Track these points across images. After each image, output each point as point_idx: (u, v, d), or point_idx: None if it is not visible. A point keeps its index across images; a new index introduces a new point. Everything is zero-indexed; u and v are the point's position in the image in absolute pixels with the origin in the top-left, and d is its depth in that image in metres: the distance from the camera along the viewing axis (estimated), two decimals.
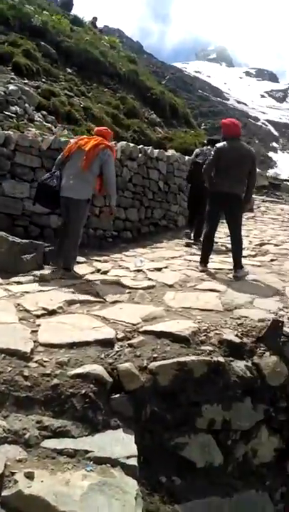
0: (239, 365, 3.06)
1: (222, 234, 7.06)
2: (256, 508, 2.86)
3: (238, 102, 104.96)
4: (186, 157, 9.62)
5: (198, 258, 5.83)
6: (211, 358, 2.99)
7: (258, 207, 13.17)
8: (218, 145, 5.44)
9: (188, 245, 7.52)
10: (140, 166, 8.02)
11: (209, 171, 5.40)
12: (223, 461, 2.86)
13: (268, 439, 3.09)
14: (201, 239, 7.39)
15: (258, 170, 5.86)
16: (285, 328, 3.35)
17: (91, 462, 2.25)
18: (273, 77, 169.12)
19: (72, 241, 4.98)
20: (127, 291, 4.41)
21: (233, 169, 5.21)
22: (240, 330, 3.42)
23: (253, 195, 14.47)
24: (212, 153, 5.52)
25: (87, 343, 2.99)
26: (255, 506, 2.86)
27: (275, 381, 3.12)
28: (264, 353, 3.21)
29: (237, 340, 3.23)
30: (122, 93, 12.57)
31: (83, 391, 2.57)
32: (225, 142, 5.37)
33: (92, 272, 5.23)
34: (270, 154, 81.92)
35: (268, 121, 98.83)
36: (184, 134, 13.43)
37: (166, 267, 5.63)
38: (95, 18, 17.95)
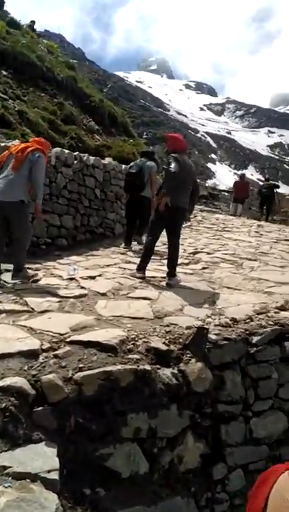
0: (166, 373, 3.08)
1: (158, 242, 7.15)
2: None
3: (179, 114, 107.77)
4: (123, 166, 9.68)
5: (133, 266, 5.87)
6: (138, 366, 2.99)
7: (195, 216, 13.48)
8: (177, 157, 5.18)
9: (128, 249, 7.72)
10: (76, 173, 7.95)
11: (173, 185, 5.09)
12: (149, 470, 2.86)
13: (193, 444, 3.12)
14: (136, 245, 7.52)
15: (198, 180, 6.01)
16: (210, 335, 3.43)
17: (10, 478, 2.17)
18: (212, 91, 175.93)
19: (20, 243, 5.08)
20: (58, 300, 4.32)
21: (186, 183, 5.27)
22: (167, 337, 3.45)
23: None
24: (172, 165, 5.09)
25: (10, 355, 2.89)
26: None
27: (200, 387, 3.18)
28: (190, 360, 3.26)
29: (164, 347, 3.26)
30: (60, 99, 12.40)
31: (3, 405, 2.47)
32: (178, 155, 5.25)
33: None
34: (209, 165, 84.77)
35: (206, 133, 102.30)
36: (123, 143, 13.51)
37: (100, 275, 5.60)
38: (32, 22, 17.65)
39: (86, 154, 8.60)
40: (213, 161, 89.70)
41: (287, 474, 0.66)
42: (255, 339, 3.60)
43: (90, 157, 8.62)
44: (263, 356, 3.59)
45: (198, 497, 3.09)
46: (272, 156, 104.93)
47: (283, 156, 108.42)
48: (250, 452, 3.41)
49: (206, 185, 37.68)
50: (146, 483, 2.84)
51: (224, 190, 30.30)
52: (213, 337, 3.44)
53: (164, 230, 5.58)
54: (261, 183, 18.56)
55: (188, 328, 3.63)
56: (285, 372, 3.72)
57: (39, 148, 5.13)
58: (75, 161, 7.97)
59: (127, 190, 8.16)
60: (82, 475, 2.60)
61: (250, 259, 7.28)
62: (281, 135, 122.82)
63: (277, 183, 18.46)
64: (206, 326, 3.55)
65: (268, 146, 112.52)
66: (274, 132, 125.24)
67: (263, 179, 23.04)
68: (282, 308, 4.31)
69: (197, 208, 16.17)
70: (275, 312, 4.19)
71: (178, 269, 5.71)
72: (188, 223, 11.12)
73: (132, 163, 8.17)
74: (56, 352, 3.02)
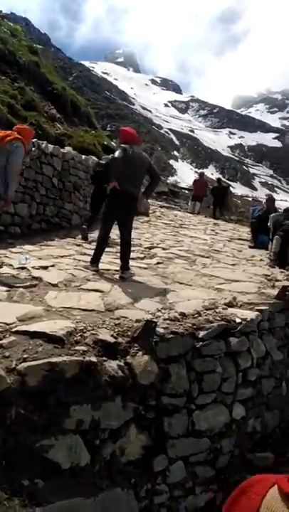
0: (112, 365, 3.08)
1: (114, 235, 7.14)
2: (120, 506, 2.89)
3: (143, 108, 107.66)
4: (83, 156, 9.56)
5: (88, 258, 5.82)
6: (84, 358, 2.97)
7: (154, 212, 13.55)
8: (125, 147, 5.42)
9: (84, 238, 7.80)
10: (33, 160, 7.77)
11: (116, 169, 5.32)
12: (90, 461, 2.85)
13: (136, 436, 3.15)
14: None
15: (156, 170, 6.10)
16: (158, 329, 3.46)
17: None
18: (177, 88, 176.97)
19: None
20: (6, 289, 4.22)
21: (134, 171, 5.35)
22: (116, 330, 3.46)
23: (152, 201, 14.92)
24: (116, 153, 5.45)
25: None
26: (119, 504, 2.89)
27: (146, 380, 3.20)
28: (137, 353, 3.27)
29: (112, 340, 3.25)
30: (21, 83, 12.02)
31: None
32: (127, 146, 5.45)
33: None
34: (171, 162, 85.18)
35: (170, 130, 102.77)
36: (84, 133, 13.32)
37: (53, 266, 5.52)
38: None
39: (45, 142, 8.42)
40: (176, 158, 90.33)
41: (277, 489, 0.62)
42: (201, 334, 3.66)
43: (49, 145, 8.45)
44: (208, 350, 3.66)
45: (138, 488, 3.12)
46: (232, 156, 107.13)
47: (242, 158, 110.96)
48: (191, 444, 3.48)
49: (168, 181, 37.94)
50: (86, 475, 2.84)
51: (185, 188, 30.63)
52: (161, 330, 3.48)
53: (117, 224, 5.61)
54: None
55: (137, 321, 3.65)
56: (229, 367, 3.82)
57: (18, 137, 5.04)
58: (33, 148, 7.79)
59: (93, 180, 8.28)
60: (21, 466, 2.56)
61: (203, 256, 7.42)
62: (241, 137, 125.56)
63: (225, 185, 19.02)
64: (154, 320, 3.58)
65: (228, 146, 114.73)
66: (235, 133, 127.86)
67: (222, 179, 23.60)
68: (230, 305, 4.42)
69: (157, 204, 16.26)
70: (223, 308, 4.29)
71: (133, 263, 5.73)
72: (147, 218, 11.20)
73: (104, 157, 8.31)
74: (0, 342, 2.95)
